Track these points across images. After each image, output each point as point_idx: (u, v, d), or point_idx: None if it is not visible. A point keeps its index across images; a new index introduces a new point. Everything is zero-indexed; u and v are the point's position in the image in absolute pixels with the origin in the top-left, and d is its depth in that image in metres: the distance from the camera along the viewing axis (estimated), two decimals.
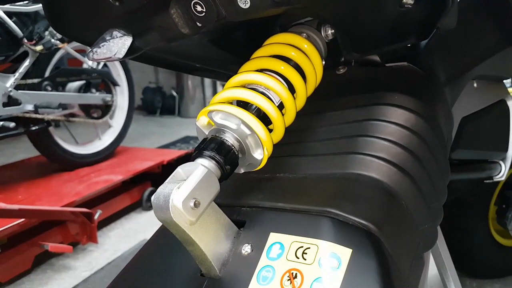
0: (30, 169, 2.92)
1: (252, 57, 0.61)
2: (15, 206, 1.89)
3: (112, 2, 0.57)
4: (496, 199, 1.69)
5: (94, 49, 0.64)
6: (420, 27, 0.56)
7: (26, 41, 2.25)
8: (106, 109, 2.92)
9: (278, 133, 0.56)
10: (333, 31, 0.66)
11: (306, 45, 0.62)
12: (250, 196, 0.54)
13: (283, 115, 0.58)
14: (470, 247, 1.68)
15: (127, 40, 0.60)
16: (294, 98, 0.60)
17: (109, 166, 2.90)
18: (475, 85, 0.90)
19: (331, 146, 0.56)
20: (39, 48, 2.29)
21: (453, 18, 0.54)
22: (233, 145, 0.50)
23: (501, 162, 1.09)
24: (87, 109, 2.80)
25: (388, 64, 0.65)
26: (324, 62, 0.64)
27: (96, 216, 2.27)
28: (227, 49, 0.69)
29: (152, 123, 5.54)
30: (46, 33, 2.34)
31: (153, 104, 5.98)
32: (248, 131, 0.49)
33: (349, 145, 0.55)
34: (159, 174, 2.96)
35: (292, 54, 0.61)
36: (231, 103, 0.55)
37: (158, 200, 0.44)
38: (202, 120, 0.53)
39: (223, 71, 0.76)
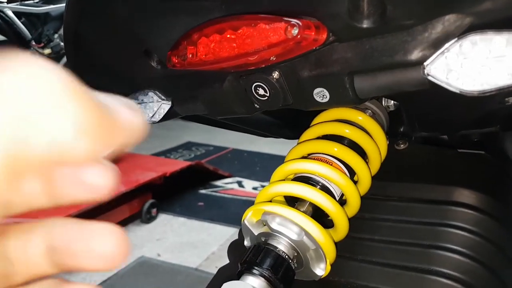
0: None
1: (300, 140, 0.53)
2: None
3: (154, 66, 0.49)
4: None
5: None
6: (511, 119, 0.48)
7: (34, 43, 2.16)
8: None
9: (341, 233, 0.47)
10: (396, 102, 0.58)
11: (369, 123, 0.54)
12: None
13: (344, 203, 0.50)
14: None
15: (165, 106, 0.52)
16: (356, 182, 0.52)
17: None
18: None
19: (397, 254, 0.48)
20: (47, 51, 2.19)
21: None
22: (290, 258, 0.41)
23: None
24: None
25: (460, 150, 0.56)
26: (388, 140, 0.56)
27: None
28: (275, 115, 0.61)
29: (153, 125, 5.43)
30: (56, 35, 2.24)
31: None
32: (312, 245, 0.41)
33: (421, 259, 0.46)
34: (160, 186, 2.86)
35: (346, 131, 0.53)
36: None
37: None
38: (251, 217, 0.45)
39: (269, 134, 0.68)
